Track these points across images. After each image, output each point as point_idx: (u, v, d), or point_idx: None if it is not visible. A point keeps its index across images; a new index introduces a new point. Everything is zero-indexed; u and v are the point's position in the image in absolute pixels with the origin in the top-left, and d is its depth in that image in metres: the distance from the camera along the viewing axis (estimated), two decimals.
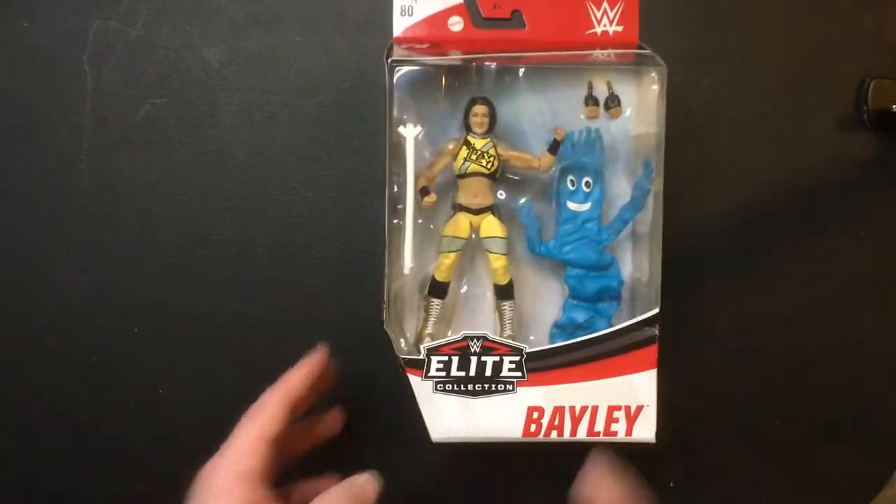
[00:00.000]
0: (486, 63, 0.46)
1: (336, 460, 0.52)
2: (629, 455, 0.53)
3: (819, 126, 0.53)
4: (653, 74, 0.47)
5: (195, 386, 0.51)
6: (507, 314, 0.48)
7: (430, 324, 0.48)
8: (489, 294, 0.49)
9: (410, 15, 0.47)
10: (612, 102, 0.47)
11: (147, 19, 0.51)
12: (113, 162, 0.51)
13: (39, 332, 0.51)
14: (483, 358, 0.45)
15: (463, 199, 0.47)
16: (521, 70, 0.47)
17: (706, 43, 0.52)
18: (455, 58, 0.46)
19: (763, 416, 0.54)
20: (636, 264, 0.49)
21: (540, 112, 0.48)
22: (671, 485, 0.54)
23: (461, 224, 0.47)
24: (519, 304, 0.49)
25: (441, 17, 0.47)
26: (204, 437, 0.52)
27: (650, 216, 0.47)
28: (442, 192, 0.48)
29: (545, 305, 0.49)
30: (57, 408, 0.51)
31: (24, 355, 0.51)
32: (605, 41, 0.48)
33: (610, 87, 0.47)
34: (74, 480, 0.52)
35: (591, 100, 0.47)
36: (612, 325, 0.47)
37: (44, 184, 0.51)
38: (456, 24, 0.47)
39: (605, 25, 0.47)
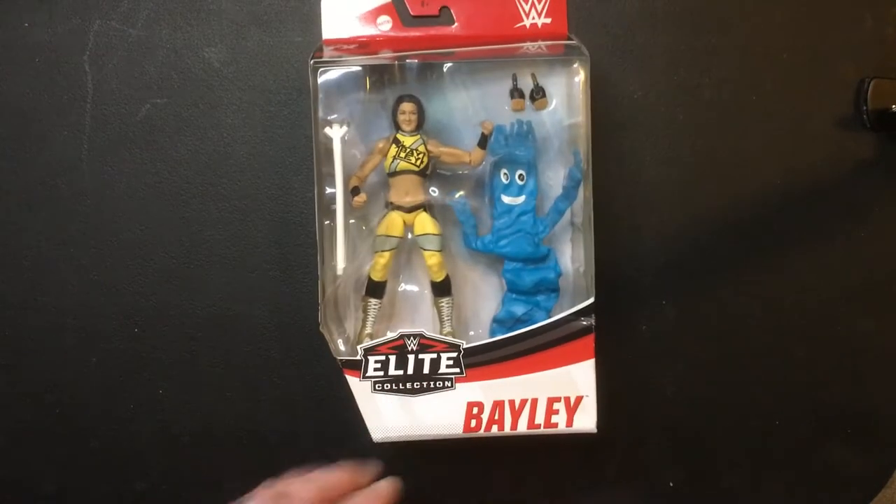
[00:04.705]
0: (409, 60, 0.46)
1: (331, 459, 0.52)
2: (628, 455, 0.53)
3: (819, 126, 0.53)
4: (576, 65, 0.47)
5: (195, 386, 0.52)
6: (446, 311, 0.48)
7: (369, 324, 0.48)
8: (427, 292, 0.49)
9: (339, 15, 0.47)
10: (538, 94, 0.47)
11: (147, 19, 0.51)
12: (113, 162, 0.51)
13: (39, 332, 0.51)
14: (420, 356, 0.45)
15: (395, 197, 0.47)
16: (447, 66, 0.47)
17: (706, 43, 0.52)
18: (380, 56, 0.46)
19: (763, 416, 0.54)
20: (575, 255, 0.49)
21: (471, 107, 0.48)
22: (671, 485, 0.54)
23: (394, 222, 0.47)
24: (458, 301, 0.49)
25: (369, 17, 0.47)
26: (204, 437, 0.52)
27: (583, 206, 0.47)
28: (376, 192, 0.48)
29: (484, 300, 0.50)
30: (57, 408, 0.51)
31: (24, 355, 0.51)
32: (534, 34, 0.47)
33: (534, 79, 0.47)
34: (74, 480, 0.52)
35: (516, 92, 0.47)
36: (551, 318, 0.47)
37: (44, 184, 0.51)
38: (384, 23, 0.47)
39: (533, 18, 0.47)
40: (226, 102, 0.51)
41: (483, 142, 0.47)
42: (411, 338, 0.45)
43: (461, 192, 0.48)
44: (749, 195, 0.53)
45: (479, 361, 0.45)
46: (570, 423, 0.46)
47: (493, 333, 0.48)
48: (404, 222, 0.47)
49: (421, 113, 0.47)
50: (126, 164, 0.51)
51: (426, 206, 0.48)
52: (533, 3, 0.47)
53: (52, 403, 0.51)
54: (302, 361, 0.52)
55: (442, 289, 0.48)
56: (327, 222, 0.46)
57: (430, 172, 0.48)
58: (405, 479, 0.52)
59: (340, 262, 0.46)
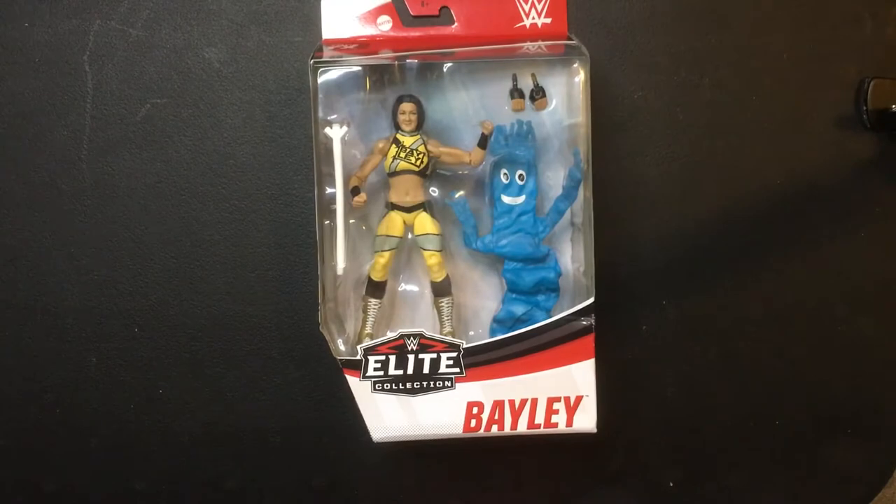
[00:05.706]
0: (409, 60, 0.46)
1: (331, 459, 0.52)
2: (628, 455, 0.53)
3: (819, 126, 0.53)
4: (576, 65, 0.47)
5: (195, 386, 0.52)
6: (446, 311, 0.48)
7: (369, 324, 0.48)
8: (427, 292, 0.49)
9: (339, 15, 0.47)
10: (538, 94, 0.47)
11: (147, 19, 0.51)
12: (113, 162, 0.51)
13: (40, 333, 0.51)
14: (420, 355, 0.45)
15: (395, 197, 0.47)
16: (447, 66, 0.47)
17: (706, 43, 0.52)
18: (380, 56, 0.46)
19: (763, 415, 0.54)
20: (575, 255, 0.49)
21: (471, 107, 0.48)
22: (671, 485, 0.54)
23: (394, 222, 0.47)
24: (458, 300, 0.49)
25: (369, 17, 0.47)
26: (204, 437, 0.52)
27: (583, 206, 0.47)
28: (376, 192, 0.48)
29: (484, 300, 0.50)
30: (57, 408, 0.51)
31: (24, 355, 0.51)
32: (534, 34, 0.47)
33: (534, 79, 0.47)
34: (74, 480, 0.52)
35: (516, 92, 0.47)
36: (551, 318, 0.47)
37: (44, 184, 0.51)
38: (385, 23, 0.47)
39: (533, 18, 0.47)
40: (226, 102, 0.51)
41: (483, 142, 0.47)
42: (411, 338, 0.45)
43: (461, 192, 0.48)
44: (749, 195, 0.53)
45: (479, 361, 0.45)
46: (570, 422, 0.46)
47: (492, 333, 0.48)
48: (404, 222, 0.47)
49: (421, 113, 0.47)
50: (126, 164, 0.51)
51: (426, 206, 0.48)
52: (533, 3, 0.47)
53: (52, 403, 0.51)
54: (302, 361, 0.52)
55: (442, 289, 0.48)
56: (327, 222, 0.46)
57: (430, 172, 0.48)
58: (405, 479, 0.53)
59: (340, 262, 0.46)
